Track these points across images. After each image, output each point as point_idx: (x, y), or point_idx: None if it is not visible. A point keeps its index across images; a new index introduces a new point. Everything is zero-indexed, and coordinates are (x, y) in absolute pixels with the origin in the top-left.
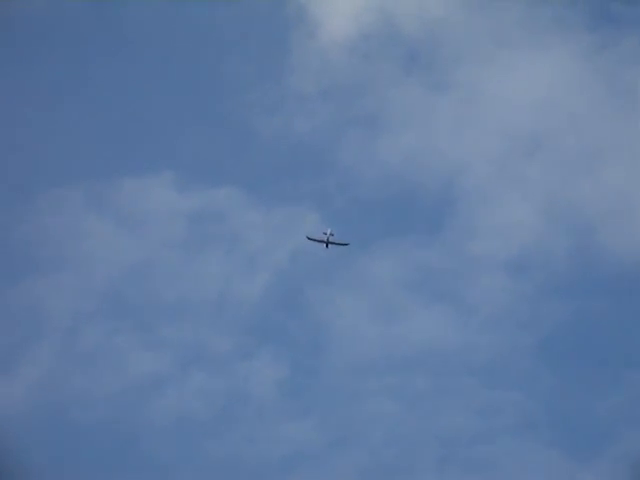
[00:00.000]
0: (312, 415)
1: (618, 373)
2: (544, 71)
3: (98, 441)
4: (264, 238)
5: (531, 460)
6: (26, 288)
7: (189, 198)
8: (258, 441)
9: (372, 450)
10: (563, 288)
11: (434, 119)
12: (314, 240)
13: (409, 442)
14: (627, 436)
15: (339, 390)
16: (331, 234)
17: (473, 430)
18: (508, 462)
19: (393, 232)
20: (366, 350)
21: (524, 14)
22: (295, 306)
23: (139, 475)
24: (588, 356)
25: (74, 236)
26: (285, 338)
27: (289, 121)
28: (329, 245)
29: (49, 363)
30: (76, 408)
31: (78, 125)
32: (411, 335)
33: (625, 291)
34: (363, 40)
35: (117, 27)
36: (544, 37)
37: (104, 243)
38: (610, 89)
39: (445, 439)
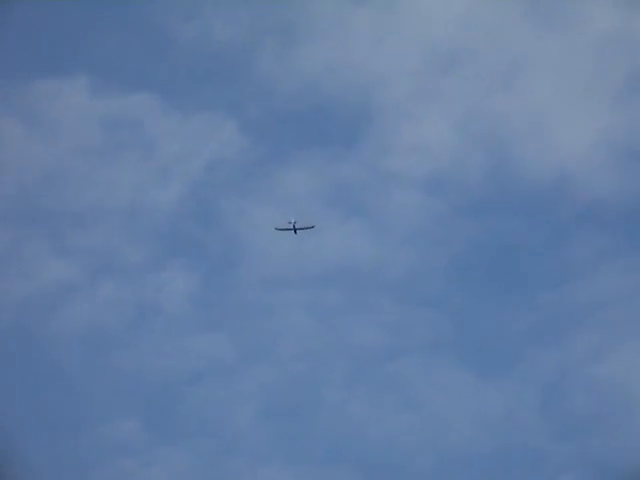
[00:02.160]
0: (223, 328)
1: (530, 294)
2: None
3: (5, 348)
4: (179, 146)
5: (440, 378)
6: None
7: (103, 103)
8: (168, 353)
9: (282, 364)
10: (478, 207)
11: (353, 30)
12: (282, 229)
13: (319, 357)
14: (536, 357)
15: (251, 304)
16: (294, 221)
17: (383, 347)
18: (417, 379)
19: (309, 144)
20: (279, 264)
21: None
22: (209, 217)
23: (46, 383)
24: (501, 276)
25: None
26: (198, 250)
27: (207, 27)
28: (297, 231)
29: None
30: None
31: None
32: (325, 250)
33: (540, 210)
34: None
35: None
36: None
37: (14, 147)
38: (529, 5)
39: (355, 355)
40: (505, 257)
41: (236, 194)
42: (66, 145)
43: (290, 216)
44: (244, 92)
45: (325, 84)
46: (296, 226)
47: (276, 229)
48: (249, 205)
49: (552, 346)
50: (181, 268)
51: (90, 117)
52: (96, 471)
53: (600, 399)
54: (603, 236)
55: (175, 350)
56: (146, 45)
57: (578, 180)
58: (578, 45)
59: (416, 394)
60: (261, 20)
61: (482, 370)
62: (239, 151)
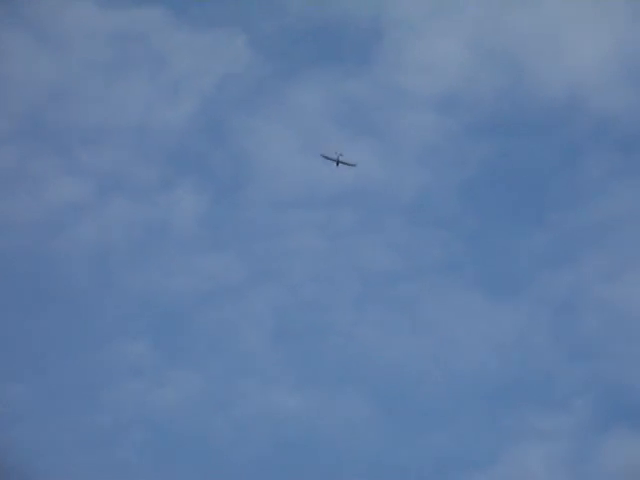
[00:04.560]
0: (232, 248)
1: (543, 214)
2: None
3: (13, 267)
4: (189, 63)
5: (452, 300)
6: None
7: (112, 17)
8: (177, 274)
9: (292, 286)
10: (490, 126)
11: None
12: (327, 158)
13: (330, 279)
14: (548, 278)
15: (261, 224)
16: (340, 154)
17: (395, 269)
18: (429, 302)
19: (319, 62)
20: (290, 184)
21: None
22: (218, 135)
23: (55, 303)
24: (513, 196)
25: None
26: (208, 169)
27: None
28: (339, 164)
29: None
30: None
31: None
32: (336, 170)
33: (553, 129)
34: None
35: None
36: None
37: (21, 62)
38: None
39: (367, 277)
40: (518, 177)
41: (246, 112)
42: (74, 60)
43: (308, 137)
44: (254, 8)
45: (336, 0)
46: (340, 159)
47: (322, 156)
48: (259, 123)
49: (564, 267)
50: (191, 187)
51: (99, 32)
52: (106, 392)
53: (612, 320)
54: (617, 154)
55: (184, 270)
56: None
57: (592, 97)
58: None
59: (427, 316)
60: None
61: (494, 292)
62: (249, 68)
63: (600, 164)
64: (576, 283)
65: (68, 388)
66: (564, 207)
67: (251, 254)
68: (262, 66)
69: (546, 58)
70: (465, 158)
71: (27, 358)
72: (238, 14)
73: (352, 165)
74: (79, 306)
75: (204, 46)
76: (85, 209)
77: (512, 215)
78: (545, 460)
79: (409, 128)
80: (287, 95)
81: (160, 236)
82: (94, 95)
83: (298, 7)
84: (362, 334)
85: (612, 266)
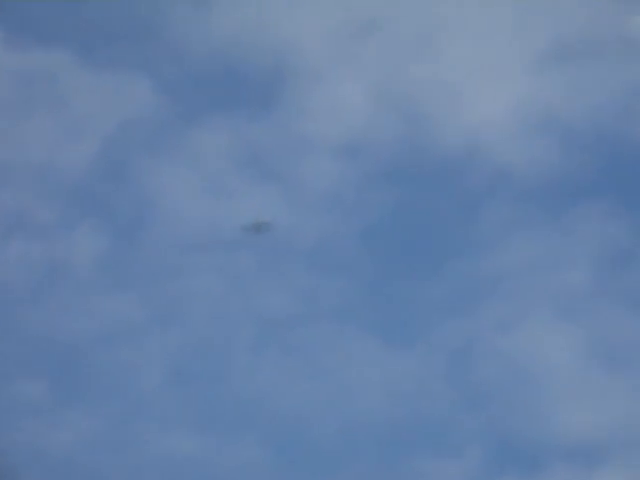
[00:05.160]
0: (133, 290)
1: (440, 262)
2: None
3: None
4: (92, 104)
5: (349, 346)
6: None
7: (16, 57)
8: (76, 314)
9: (192, 328)
10: (391, 174)
11: None
12: (249, 228)
13: (229, 322)
14: (445, 326)
15: (161, 266)
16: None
17: (293, 313)
18: (326, 346)
19: (223, 107)
20: (191, 226)
21: None
22: (121, 177)
23: None
24: (412, 245)
25: None
26: (109, 210)
27: None
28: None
29: None
30: None
31: None
32: (238, 213)
33: (452, 179)
34: None
35: None
36: None
37: None
38: None
39: (265, 321)
40: (416, 225)
41: (149, 154)
42: None
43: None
44: (158, 52)
45: (240, 46)
46: (258, 224)
47: (244, 228)
48: (162, 166)
49: (461, 316)
50: (91, 228)
51: (2, 71)
52: (1, 430)
53: (506, 369)
54: (514, 206)
55: (83, 311)
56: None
57: (491, 149)
58: (497, 12)
59: (324, 362)
60: None
61: (391, 339)
62: (153, 111)
63: (498, 215)
64: (472, 332)
65: None
66: (462, 257)
67: (151, 296)
68: (166, 109)
69: (447, 107)
70: (366, 205)
71: None
72: (143, 57)
73: (267, 224)
74: None
75: (108, 88)
76: None
77: (411, 263)
78: None
79: (311, 174)
80: (190, 139)
81: (60, 276)
82: None
83: (201, 51)
84: (258, 378)
85: (507, 316)
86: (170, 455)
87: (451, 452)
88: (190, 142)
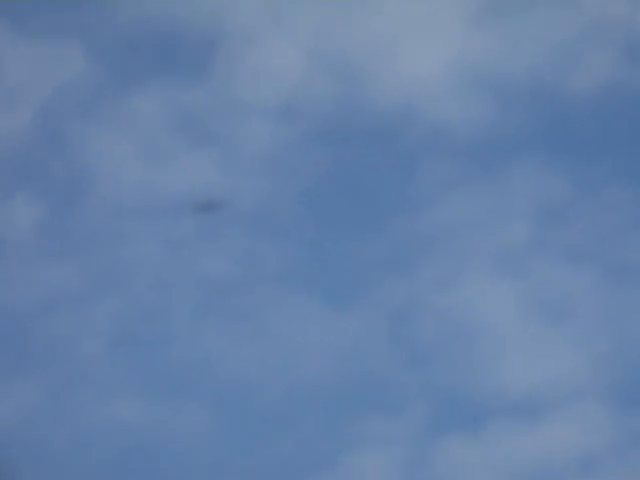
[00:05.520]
0: (72, 258)
1: (380, 222)
2: None
3: None
4: (25, 72)
5: (291, 308)
6: None
7: None
8: (15, 284)
9: (131, 295)
10: (328, 134)
11: None
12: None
13: (169, 288)
14: (385, 285)
15: (100, 233)
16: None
17: (234, 278)
18: (268, 311)
19: (157, 72)
20: (129, 193)
21: None
22: (55, 145)
23: None
24: (350, 205)
25: None
26: (45, 178)
27: None
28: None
29: None
30: None
31: None
32: (174, 178)
33: (389, 137)
34: None
35: None
36: None
37: None
38: None
39: (206, 286)
40: (355, 186)
41: (83, 121)
42: None
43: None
44: (89, 17)
45: (171, 7)
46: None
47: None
48: (96, 132)
49: (400, 275)
50: (27, 196)
51: None
52: None
53: (446, 328)
54: (451, 164)
55: (22, 281)
56: None
57: (427, 106)
58: None
59: (266, 326)
60: None
61: (332, 300)
62: (86, 77)
63: (435, 173)
64: (411, 291)
65: None
66: (399, 216)
67: (90, 264)
68: (99, 75)
69: (383, 66)
70: (303, 167)
71: None
72: (74, 23)
73: (218, 201)
74: None
75: (40, 55)
76: None
77: (349, 224)
78: (383, 465)
79: (247, 137)
80: (124, 104)
81: None
82: None
83: (135, 16)
84: (202, 344)
85: (446, 274)
86: (114, 423)
87: (394, 411)
88: (125, 108)
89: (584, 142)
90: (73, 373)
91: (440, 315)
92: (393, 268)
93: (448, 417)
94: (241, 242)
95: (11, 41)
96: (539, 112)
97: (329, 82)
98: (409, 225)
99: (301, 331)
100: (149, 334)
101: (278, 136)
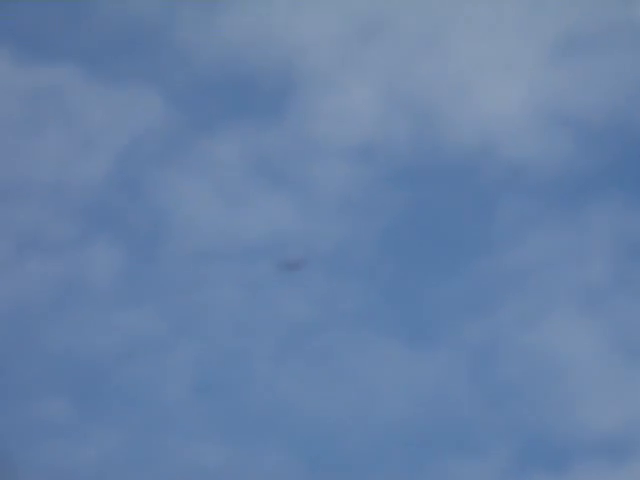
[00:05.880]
0: (150, 303)
1: (458, 262)
2: None
3: None
4: (103, 118)
5: (371, 351)
6: None
7: (24, 73)
8: (95, 330)
9: (212, 339)
10: (405, 175)
11: None
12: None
13: (249, 331)
14: (466, 325)
15: (178, 277)
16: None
17: (314, 320)
18: (348, 351)
19: (233, 115)
20: (207, 237)
21: None
22: (134, 190)
23: None
24: (429, 245)
25: None
26: (124, 224)
27: None
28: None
29: None
30: None
31: None
32: (253, 221)
33: (466, 179)
34: None
35: None
36: None
37: None
38: None
39: (286, 329)
40: (433, 226)
41: (161, 166)
42: None
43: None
44: (165, 61)
45: (247, 52)
46: (294, 261)
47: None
48: (175, 177)
49: (482, 315)
50: (107, 242)
51: (11, 88)
52: (26, 450)
53: (530, 366)
54: (529, 201)
55: (103, 327)
56: (64, 14)
57: (504, 145)
58: (505, 6)
59: (346, 367)
60: None
61: (412, 341)
62: (163, 122)
63: (514, 211)
64: (494, 330)
65: None
66: (480, 255)
67: (169, 308)
68: (175, 119)
69: (457, 105)
70: (381, 208)
71: None
72: (150, 67)
73: (301, 260)
74: None
75: (117, 101)
76: (1, 267)
77: (429, 264)
78: None
79: (325, 179)
80: (202, 148)
81: (77, 293)
82: (6, 153)
83: (209, 60)
84: (282, 386)
85: (529, 313)
86: (196, 467)
87: (477, 452)
88: (202, 152)
89: None
90: (155, 417)
91: (523, 354)
92: (474, 307)
93: (532, 457)
94: (320, 284)
95: (90, 87)
96: (618, 149)
97: (405, 122)
98: (490, 264)
99: (382, 372)
100: (229, 377)
101: (355, 177)
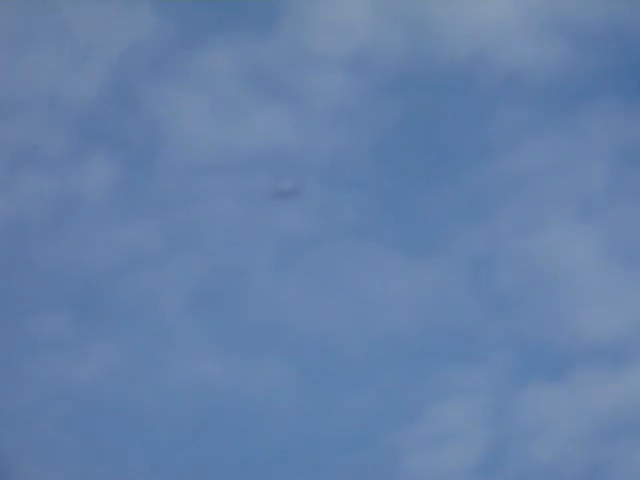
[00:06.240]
0: (148, 217)
1: (456, 170)
2: None
3: None
4: (95, 31)
5: (369, 261)
6: None
7: None
8: (93, 244)
9: (209, 252)
10: (400, 84)
11: None
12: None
13: (246, 243)
14: (464, 234)
15: (175, 190)
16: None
17: (312, 231)
18: (346, 264)
19: (226, 27)
20: (203, 149)
21: None
22: (129, 104)
23: None
24: (425, 155)
25: None
26: (119, 137)
27: None
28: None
29: None
30: None
31: None
32: (249, 134)
33: (461, 87)
34: None
35: None
36: None
37: None
38: None
39: (283, 240)
40: (428, 134)
41: (155, 78)
42: None
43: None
44: None
45: None
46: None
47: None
48: (169, 89)
49: (480, 223)
50: (103, 156)
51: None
52: (25, 367)
53: (530, 274)
54: (525, 108)
55: (99, 241)
56: None
57: (499, 51)
58: None
59: (345, 279)
60: None
61: (411, 250)
62: (156, 34)
63: (510, 118)
64: (492, 238)
65: None
66: (476, 163)
67: (166, 222)
68: (168, 32)
69: (452, 11)
70: (376, 118)
71: None
72: None
73: (293, 189)
74: None
75: (109, 13)
76: None
77: (425, 173)
78: (467, 414)
79: (320, 90)
80: (196, 60)
81: (73, 208)
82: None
83: None
84: (281, 299)
85: (526, 221)
86: (195, 380)
87: (477, 360)
88: (196, 64)
89: None
90: (154, 331)
91: (521, 262)
92: (472, 216)
93: (531, 365)
94: (317, 196)
95: (79, 1)
96: (614, 53)
97: (399, 31)
98: (486, 172)
99: (380, 283)
100: (227, 290)
101: (350, 87)
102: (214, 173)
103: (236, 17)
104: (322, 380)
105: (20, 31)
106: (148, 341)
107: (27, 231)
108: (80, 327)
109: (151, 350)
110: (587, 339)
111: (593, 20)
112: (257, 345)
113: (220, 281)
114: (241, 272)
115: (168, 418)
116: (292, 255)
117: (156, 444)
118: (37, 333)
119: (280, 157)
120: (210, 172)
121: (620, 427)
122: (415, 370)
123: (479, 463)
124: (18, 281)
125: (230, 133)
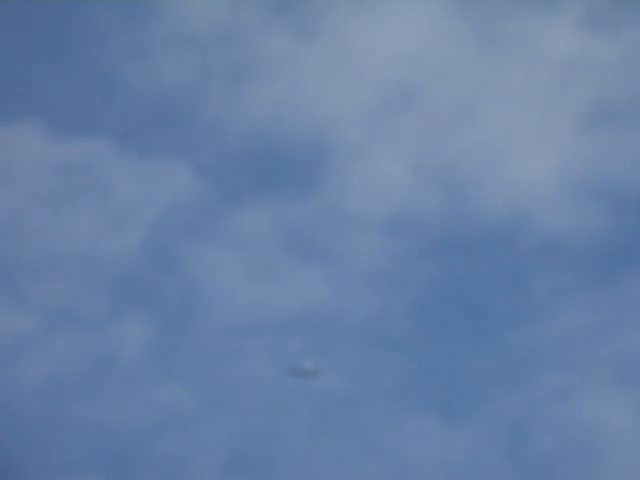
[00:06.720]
0: (183, 378)
1: (492, 334)
2: (415, 21)
3: None
4: (134, 192)
5: (406, 423)
6: None
7: (56, 148)
8: (128, 405)
9: (245, 414)
10: (437, 246)
11: (303, 70)
12: (296, 372)
13: (282, 406)
14: (501, 398)
15: (211, 352)
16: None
17: (347, 393)
18: (381, 426)
19: (263, 187)
20: (239, 311)
21: None
22: (166, 264)
23: (5, 437)
24: (462, 317)
25: None
26: (156, 298)
27: (156, 69)
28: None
29: None
30: None
31: None
32: (285, 295)
33: (499, 248)
34: None
35: None
36: None
37: None
38: (482, 40)
39: (319, 402)
40: (466, 297)
41: (192, 239)
42: (20, 192)
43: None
44: (195, 135)
45: (277, 125)
46: (306, 369)
47: (291, 371)
48: (206, 250)
49: (517, 387)
50: (139, 316)
51: (43, 163)
52: None
53: (567, 439)
54: (563, 272)
55: (135, 401)
56: (95, 88)
57: (537, 214)
58: (534, 77)
59: (381, 442)
60: (210, 61)
61: (447, 414)
62: (194, 195)
63: (547, 282)
64: (529, 403)
65: None
66: (513, 327)
67: (202, 383)
68: (207, 193)
69: (489, 175)
70: (413, 280)
71: None
72: (181, 141)
73: (313, 370)
74: (29, 441)
75: (148, 175)
76: (33, 343)
77: (462, 336)
78: None
79: (356, 251)
80: (233, 221)
81: (110, 367)
82: (40, 227)
83: (239, 132)
84: (316, 462)
85: (564, 385)
86: None
87: None
88: (233, 225)
89: None
90: None
91: (559, 428)
92: (508, 380)
93: None
94: (352, 357)
95: (121, 160)
96: None
97: (437, 193)
98: (523, 336)
99: (415, 446)
100: (263, 452)
101: (387, 249)
102: (249, 334)
103: (274, 178)
104: None
105: (62, 190)
106: None
107: (61, 391)
108: None
109: None
110: None
111: (628, 184)
112: None
113: (255, 444)
114: (276, 435)
115: None
116: (327, 417)
117: None
118: None
119: (316, 318)
120: (245, 333)
121: None
122: None
123: None
124: (54, 441)
125: (266, 294)
